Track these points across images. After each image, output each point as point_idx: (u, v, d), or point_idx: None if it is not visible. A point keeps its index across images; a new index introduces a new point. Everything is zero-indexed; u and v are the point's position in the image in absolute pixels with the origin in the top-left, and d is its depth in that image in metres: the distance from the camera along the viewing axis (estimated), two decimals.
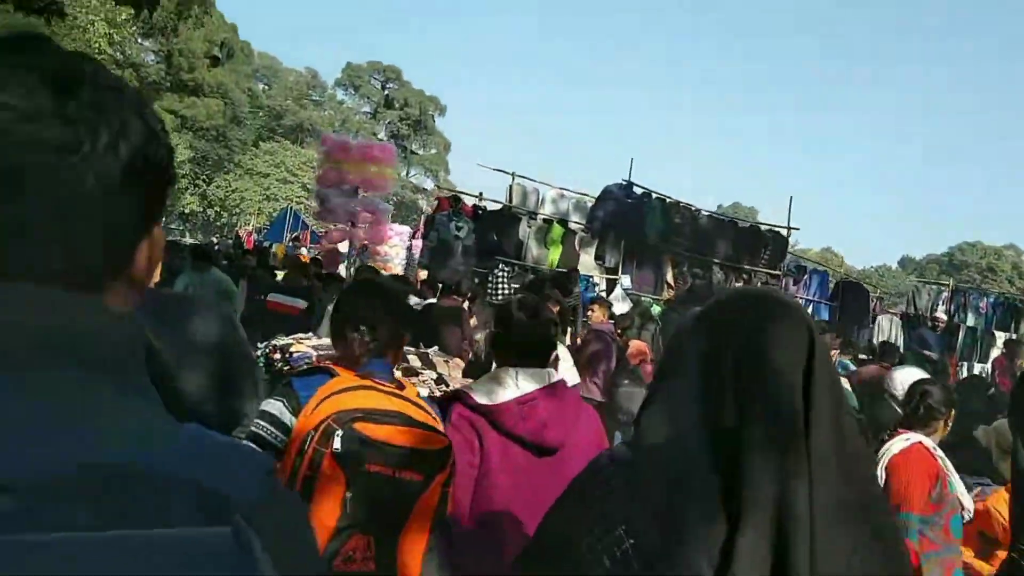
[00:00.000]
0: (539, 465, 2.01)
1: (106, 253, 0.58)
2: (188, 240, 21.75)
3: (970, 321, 11.93)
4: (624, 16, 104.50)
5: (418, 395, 1.89)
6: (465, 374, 4.75)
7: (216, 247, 14.65)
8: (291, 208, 22.86)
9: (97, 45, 16.16)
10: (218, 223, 38.34)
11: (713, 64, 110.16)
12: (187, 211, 36.95)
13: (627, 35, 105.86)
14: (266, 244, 16.63)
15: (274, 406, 1.72)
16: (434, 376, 4.15)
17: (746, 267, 10.56)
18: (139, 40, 28.10)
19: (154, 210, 0.62)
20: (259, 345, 4.72)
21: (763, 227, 11.23)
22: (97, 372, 0.54)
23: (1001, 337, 11.37)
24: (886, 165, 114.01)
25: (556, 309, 8.49)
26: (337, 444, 1.59)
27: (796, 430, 0.88)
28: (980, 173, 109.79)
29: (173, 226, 36.44)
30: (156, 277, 2.13)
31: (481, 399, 2.06)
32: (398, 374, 3.81)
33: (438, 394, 4.09)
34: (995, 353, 10.80)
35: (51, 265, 0.55)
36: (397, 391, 1.77)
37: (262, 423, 1.69)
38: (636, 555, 0.88)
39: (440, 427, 1.80)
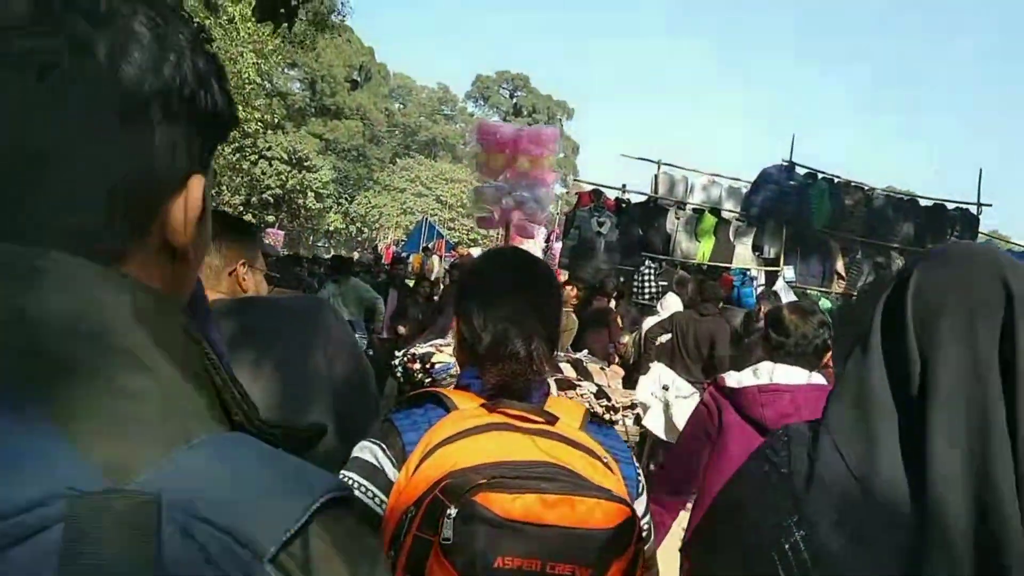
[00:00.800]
0: None
1: (111, 207, 0.45)
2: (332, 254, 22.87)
3: None
4: None
5: (586, 419, 1.19)
6: (623, 383, 4.17)
7: (358, 259, 15.18)
8: (426, 219, 23.31)
9: (246, 75, 17.27)
10: (359, 238, 40.17)
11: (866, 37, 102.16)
12: (332, 228, 38.97)
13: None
14: (403, 255, 16.95)
15: (369, 451, 1.14)
16: (593, 389, 3.55)
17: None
18: (285, 70, 29.99)
19: (185, 152, 0.48)
20: (396, 354, 4.40)
21: (949, 205, 9.76)
22: (77, 360, 0.40)
23: None
24: None
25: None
26: (448, 532, 0.98)
27: (992, 405, 0.76)
28: None
29: (320, 244, 38.61)
30: (258, 287, 1.63)
31: (730, 382, 2.17)
32: (552, 388, 3.26)
33: (599, 410, 3.50)
34: None
35: (35, 223, 0.43)
36: (547, 426, 1.11)
37: (354, 477, 1.12)
38: (807, 548, 0.80)
39: (618, 477, 1.11)
